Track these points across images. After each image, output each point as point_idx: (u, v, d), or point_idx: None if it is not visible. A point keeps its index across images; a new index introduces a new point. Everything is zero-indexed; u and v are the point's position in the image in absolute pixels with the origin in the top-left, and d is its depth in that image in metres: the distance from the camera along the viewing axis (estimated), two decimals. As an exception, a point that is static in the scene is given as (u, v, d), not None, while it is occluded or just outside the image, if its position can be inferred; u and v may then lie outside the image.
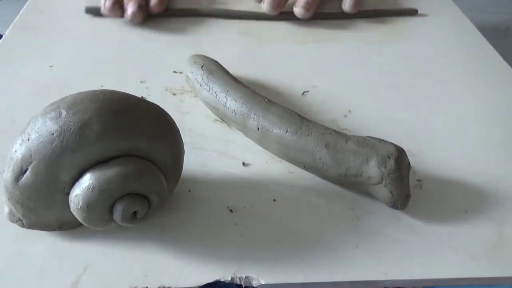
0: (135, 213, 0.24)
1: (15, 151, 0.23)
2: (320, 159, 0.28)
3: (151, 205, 0.24)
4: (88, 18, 0.48)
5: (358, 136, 0.28)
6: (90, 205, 0.23)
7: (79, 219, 0.23)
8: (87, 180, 0.23)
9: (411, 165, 0.29)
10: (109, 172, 0.23)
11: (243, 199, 0.29)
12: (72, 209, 0.23)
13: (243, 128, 0.32)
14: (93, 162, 0.23)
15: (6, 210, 0.25)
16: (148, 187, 0.24)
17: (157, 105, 0.26)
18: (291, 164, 0.31)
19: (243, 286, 0.25)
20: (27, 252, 0.25)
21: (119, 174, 0.23)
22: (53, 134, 0.22)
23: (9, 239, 0.26)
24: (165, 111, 0.26)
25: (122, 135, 0.23)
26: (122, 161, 0.23)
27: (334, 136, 0.28)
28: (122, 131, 0.23)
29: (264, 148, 0.32)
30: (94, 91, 0.24)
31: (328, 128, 0.29)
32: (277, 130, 0.30)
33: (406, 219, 0.28)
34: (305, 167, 0.29)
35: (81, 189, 0.23)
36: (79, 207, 0.23)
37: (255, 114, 0.31)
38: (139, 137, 0.24)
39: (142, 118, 0.24)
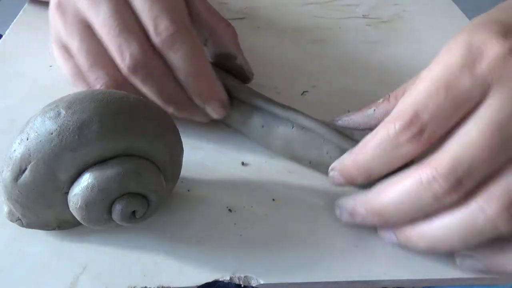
0: (134, 212, 0.24)
1: (14, 150, 0.23)
2: (327, 153, 0.28)
3: (150, 204, 0.24)
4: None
5: (363, 131, 0.28)
6: (89, 204, 0.23)
7: (78, 218, 0.23)
8: (86, 179, 0.23)
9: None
10: (108, 172, 0.23)
11: (242, 199, 0.29)
12: (71, 208, 0.23)
13: (246, 128, 0.32)
14: (92, 161, 0.23)
15: (5, 209, 0.25)
16: (147, 187, 0.24)
17: (156, 105, 0.26)
18: (290, 164, 0.31)
19: (242, 285, 0.25)
20: (26, 251, 0.25)
21: (118, 173, 0.23)
22: (52, 134, 0.22)
23: (8, 238, 0.26)
24: (164, 111, 0.26)
25: (121, 135, 0.23)
26: (121, 160, 0.23)
27: (341, 129, 0.29)
28: (121, 131, 0.23)
29: (266, 147, 0.31)
30: (93, 91, 0.24)
31: (332, 122, 0.30)
32: (283, 126, 0.30)
33: (405, 219, 0.28)
34: (310, 163, 0.29)
35: (80, 188, 0.23)
36: (78, 206, 0.23)
37: (258, 111, 0.31)
38: (138, 137, 0.24)
39: (141, 117, 0.24)
